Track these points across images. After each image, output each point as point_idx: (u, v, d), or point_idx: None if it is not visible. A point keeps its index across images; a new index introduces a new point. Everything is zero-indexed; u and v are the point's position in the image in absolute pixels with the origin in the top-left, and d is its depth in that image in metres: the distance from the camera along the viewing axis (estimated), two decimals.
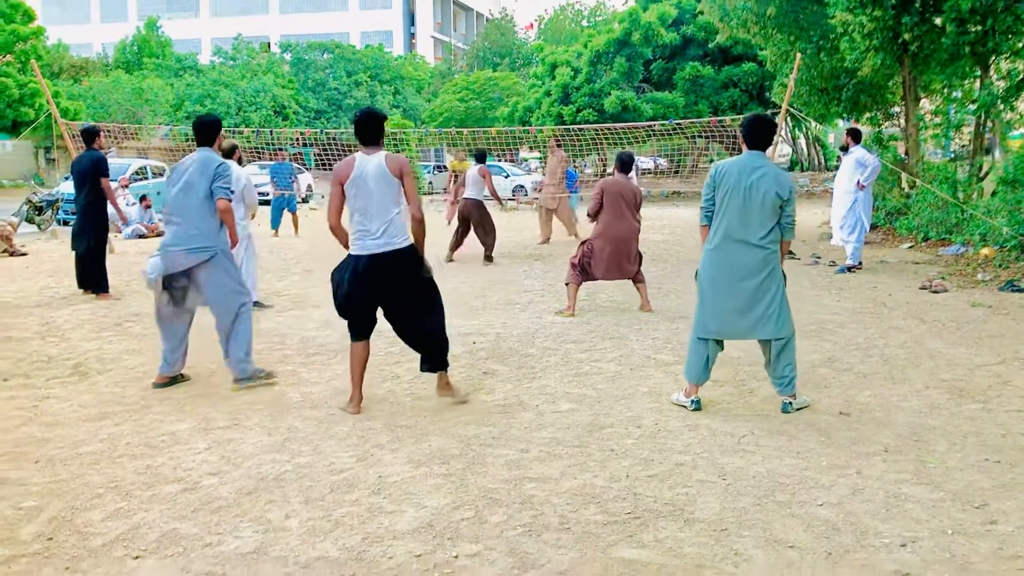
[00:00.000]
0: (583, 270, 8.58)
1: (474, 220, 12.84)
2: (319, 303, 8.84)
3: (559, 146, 16.93)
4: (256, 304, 8.93)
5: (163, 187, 22.58)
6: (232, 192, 6.12)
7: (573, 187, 23.08)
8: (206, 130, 6.23)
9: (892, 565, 3.42)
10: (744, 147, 5.45)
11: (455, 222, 13.39)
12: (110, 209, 9.91)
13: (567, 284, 8.71)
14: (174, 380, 6.10)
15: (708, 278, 5.45)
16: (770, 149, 5.72)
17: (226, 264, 6.01)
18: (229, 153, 8.98)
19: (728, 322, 5.38)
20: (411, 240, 5.31)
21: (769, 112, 18.27)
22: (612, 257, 8.49)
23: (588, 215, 8.69)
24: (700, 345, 5.48)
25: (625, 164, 8.69)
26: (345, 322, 5.45)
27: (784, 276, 5.44)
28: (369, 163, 5.25)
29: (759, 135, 5.40)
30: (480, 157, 13.33)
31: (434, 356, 5.53)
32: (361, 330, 5.44)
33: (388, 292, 5.31)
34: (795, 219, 5.40)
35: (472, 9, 71.54)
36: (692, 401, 5.47)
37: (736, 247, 5.30)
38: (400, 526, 3.78)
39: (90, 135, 9.82)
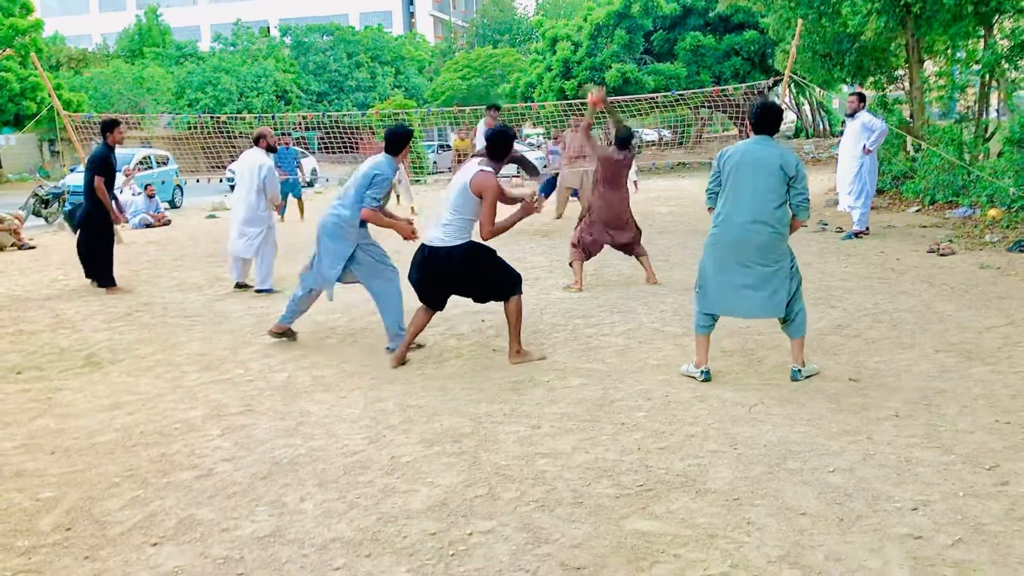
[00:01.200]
0: (583, 248, 8.65)
1: None
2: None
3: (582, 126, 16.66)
4: (267, 291, 9.00)
5: (167, 176, 22.48)
6: (378, 201, 6.25)
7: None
8: (395, 140, 6.37)
9: (904, 529, 3.44)
10: (751, 133, 5.47)
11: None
12: (123, 196, 9.97)
13: (571, 264, 8.76)
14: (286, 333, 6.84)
15: (712, 257, 5.46)
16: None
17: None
18: (256, 141, 9.13)
19: (732, 301, 5.41)
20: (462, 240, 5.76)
21: (771, 80, 18.16)
22: (604, 222, 8.62)
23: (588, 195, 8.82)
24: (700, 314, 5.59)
25: (624, 141, 8.69)
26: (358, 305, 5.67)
27: (793, 258, 5.41)
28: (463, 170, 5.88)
29: (766, 120, 5.39)
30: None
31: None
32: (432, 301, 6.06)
33: (450, 278, 5.89)
34: (808, 198, 5.31)
35: None
36: (702, 371, 5.47)
37: (741, 225, 5.28)
38: (414, 505, 3.81)
39: (104, 127, 9.55)
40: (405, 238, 6.34)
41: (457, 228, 5.77)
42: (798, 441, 4.39)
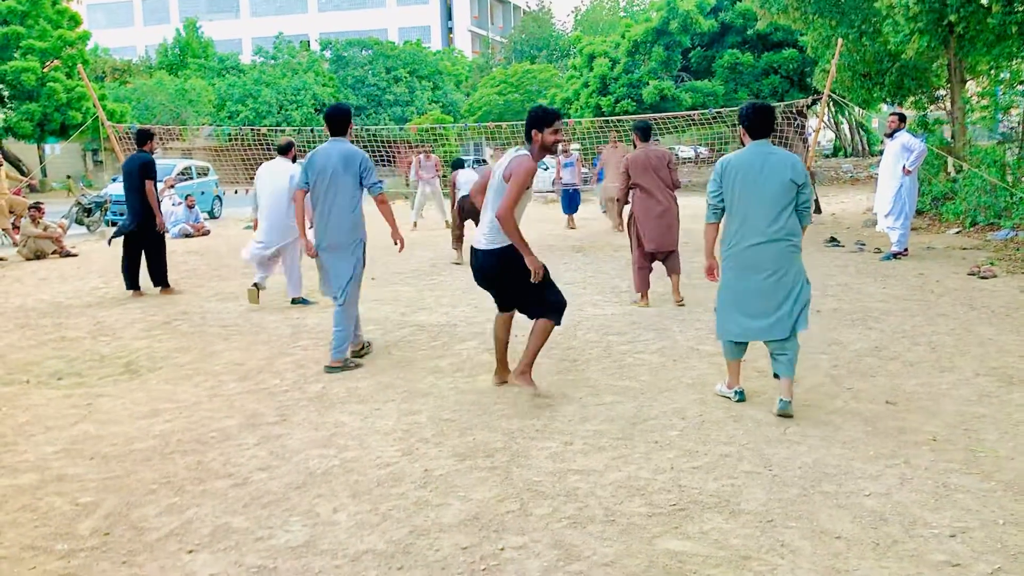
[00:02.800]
0: (644, 276, 8.52)
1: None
2: (363, 297, 8.93)
3: (619, 141, 16.79)
4: (301, 300, 9.08)
5: (207, 187, 23.02)
6: (381, 185, 6.48)
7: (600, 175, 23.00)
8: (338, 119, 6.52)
9: (941, 556, 3.39)
10: (746, 139, 5.19)
11: None
12: (164, 206, 10.10)
13: (640, 299, 8.57)
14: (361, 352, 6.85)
15: (729, 284, 5.26)
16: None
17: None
18: (285, 150, 9.15)
19: (749, 326, 5.19)
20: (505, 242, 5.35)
21: (811, 99, 18.06)
22: (656, 227, 8.38)
23: (617, 200, 8.62)
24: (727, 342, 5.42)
25: (644, 132, 8.55)
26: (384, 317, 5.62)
27: (802, 271, 5.16)
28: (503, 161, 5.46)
29: (761, 123, 5.14)
30: (457, 164, 13.75)
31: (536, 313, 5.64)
32: (498, 304, 5.82)
33: (495, 282, 5.62)
34: (811, 202, 5.13)
35: (509, 2, 71.45)
36: (736, 392, 5.41)
37: (755, 245, 5.07)
38: (446, 519, 3.82)
39: (142, 137, 9.94)
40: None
41: (496, 229, 5.38)
42: (833, 464, 4.35)
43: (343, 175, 6.32)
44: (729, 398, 5.43)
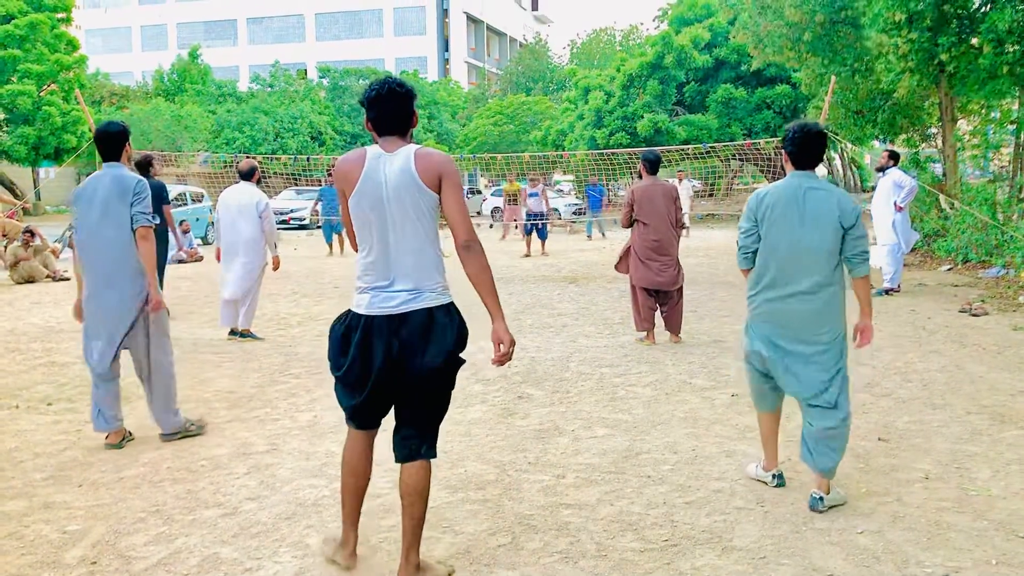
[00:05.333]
0: (649, 311, 8.28)
1: None
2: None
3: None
4: (251, 335, 8.73)
5: (202, 213, 23.00)
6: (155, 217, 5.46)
7: (598, 207, 23.24)
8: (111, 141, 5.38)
9: None
10: (789, 167, 4.38)
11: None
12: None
13: (644, 337, 8.33)
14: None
15: (759, 336, 4.39)
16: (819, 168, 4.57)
17: None
18: (249, 174, 8.74)
19: (784, 378, 4.34)
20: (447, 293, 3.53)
21: None
22: (652, 266, 8.13)
23: (622, 225, 8.41)
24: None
25: (652, 164, 8.26)
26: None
27: (844, 335, 4.33)
28: (390, 163, 3.41)
29: (810, 151, 4.28)
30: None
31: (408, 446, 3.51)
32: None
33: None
34: (867, 251, 4.24)
35: (506, 34, 72.09)
36: (774, 476, 4.55)
37: (792, 299, 4.24)
38: (437, 552, 3.80)
39: (144, 165, 9.62)
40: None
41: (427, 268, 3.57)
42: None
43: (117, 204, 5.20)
44: (765, 483, 4.57)
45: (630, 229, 8.42)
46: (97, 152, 5.45)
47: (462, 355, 3.46)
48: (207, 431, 5.61)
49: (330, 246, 18.17)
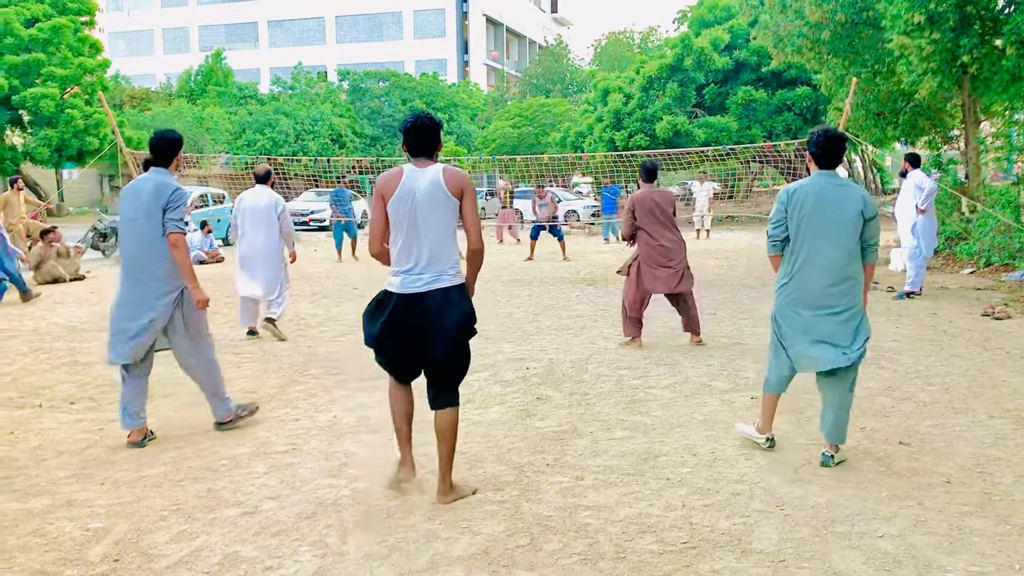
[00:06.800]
0: (637, 321, 8.29)
1: None
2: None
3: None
4: (271, 321, 8.86)
5: (223, 214, 23.18)
6: (186, 224, 5.68)
7: (613, 209, 23.23)
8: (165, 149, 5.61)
9: None
10: (813, 167, 4.95)
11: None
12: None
13: (630, 341, 8.32)
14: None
15: (787, 319, 4.97)
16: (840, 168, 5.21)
17: None
18: (265, 178, 8.96)
19: (809, 356, 4.91)
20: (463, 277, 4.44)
21: None
22: (661, 274, 8.11)
23: (623, 238, 8.33)
24: (771, 395, 5.14)
25: (650, 173, 8.32)
26: None
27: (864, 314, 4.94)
28: (421, 178, 4.33)
29: (833, 152, 4.88)
30: None
31: (437, 399, 4.43)
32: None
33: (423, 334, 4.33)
34: (878, 242, 4.91)
35: (525, 37, 72.12)
36: (767, 439, 5.14)
37: (822, 288, 4.82)
38: (455, 552, 3.81)
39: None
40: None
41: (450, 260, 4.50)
42: (846, 504, 4.31)
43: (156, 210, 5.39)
44: (758, 444, 5.17)
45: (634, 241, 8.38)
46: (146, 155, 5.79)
47: (474, 327, 4.43)
48: (257, 410, 5.95)
49: (339, 252, 18.01)
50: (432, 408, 4.41)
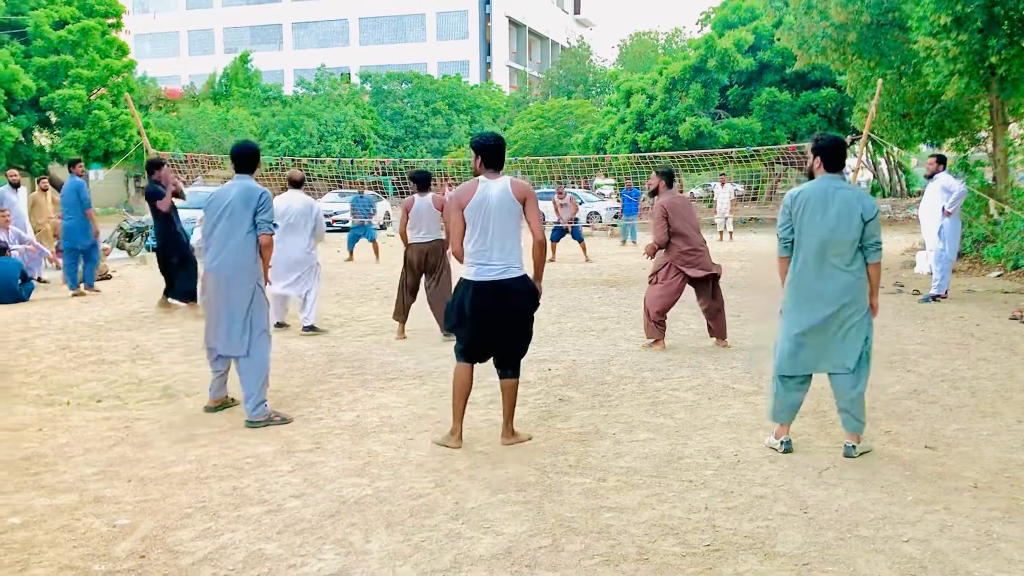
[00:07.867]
0: (660, 323, 8.26)
1: (427, 267, 8.95)
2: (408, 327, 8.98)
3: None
4: (312, 328, 9.17)
5: None
6: (276, 226, 6.10)
7: (634, 211, 23.16)
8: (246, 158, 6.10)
9: None
10: (819, 170, 5.17)
11: None
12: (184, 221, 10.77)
13: (653, 343, 8.29)
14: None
15: (790, 312, 5.19)
16: (850, 174, 5.41)
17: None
18: (300, 183, 9.37)
19: (809, 356, 5.11)
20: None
21: (849, 139, 18.02)
22: (691, 268, 8.13)
23: (658, 245, 8.15)
24: (781, 385, 5.23)
25: (669, 177, 8.35)
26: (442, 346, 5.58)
27: (868, 309, 5.11)
28: (493, 187, 5.23)
29: (836, 156, 5.15)
30: (423, 182, 9.02)
31: (503, 371, 5.41)
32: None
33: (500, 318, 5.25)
34: (880, 241, 5.06)
35: (547, 38, 72.16)
36: (783, 442, 5.19)
37: (819, 274, 5.03)
38: (478, 552, 3.82)
39: (151, 168, 10.74)
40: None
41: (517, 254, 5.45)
42: (871, 508, 4.28)
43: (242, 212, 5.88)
44: (775, 449, 5.20)
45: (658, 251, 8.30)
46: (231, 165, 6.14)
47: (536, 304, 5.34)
48: (291, 422, 5.94)
49: (351, 253, 18.27)
50: (501, 378, 5.40)
